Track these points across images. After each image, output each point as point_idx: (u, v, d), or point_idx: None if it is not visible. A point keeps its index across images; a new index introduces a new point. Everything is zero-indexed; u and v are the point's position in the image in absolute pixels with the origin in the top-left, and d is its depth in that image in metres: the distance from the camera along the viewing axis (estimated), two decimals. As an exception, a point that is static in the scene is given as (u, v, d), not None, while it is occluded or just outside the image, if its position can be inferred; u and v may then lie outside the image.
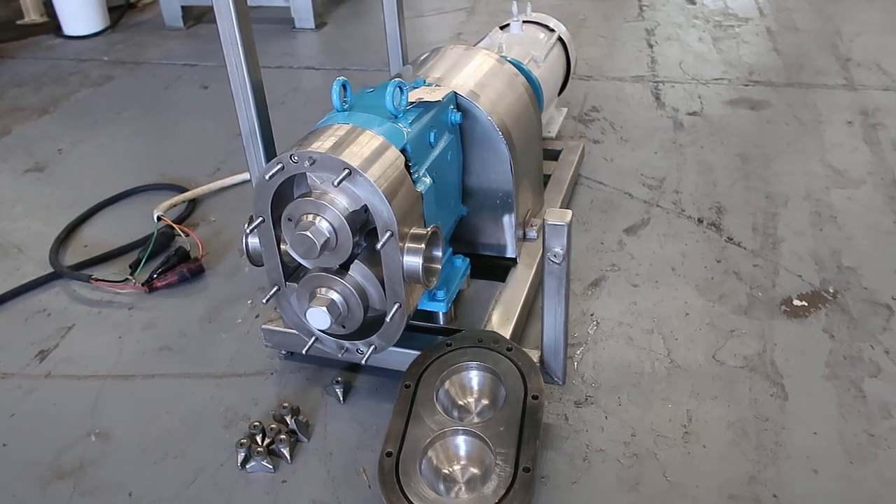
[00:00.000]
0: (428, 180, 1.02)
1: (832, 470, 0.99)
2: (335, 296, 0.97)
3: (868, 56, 2.25)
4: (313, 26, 2.80)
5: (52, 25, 2.97)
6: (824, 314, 1.26)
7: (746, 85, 2.13)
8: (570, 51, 1.77)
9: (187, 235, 1.54)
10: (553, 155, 1.67)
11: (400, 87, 1.01)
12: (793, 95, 2.04)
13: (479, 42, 1.65)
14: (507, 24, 1.69)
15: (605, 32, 2.59)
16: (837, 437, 1.03)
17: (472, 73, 1.25)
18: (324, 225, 0.92)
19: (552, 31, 1.73)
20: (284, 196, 0.98)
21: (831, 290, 1.31)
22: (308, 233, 0.91)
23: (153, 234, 1.50)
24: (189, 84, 2.41)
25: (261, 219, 0.97)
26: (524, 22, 1.71)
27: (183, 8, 2.90)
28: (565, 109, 1.86)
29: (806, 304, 1.28)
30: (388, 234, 0.92)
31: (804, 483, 0.97)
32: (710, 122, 1.93)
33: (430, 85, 1.14)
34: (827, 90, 2.06)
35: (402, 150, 0.98)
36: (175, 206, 1.67)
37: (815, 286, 1.33)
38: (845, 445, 1.02)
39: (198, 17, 3.00)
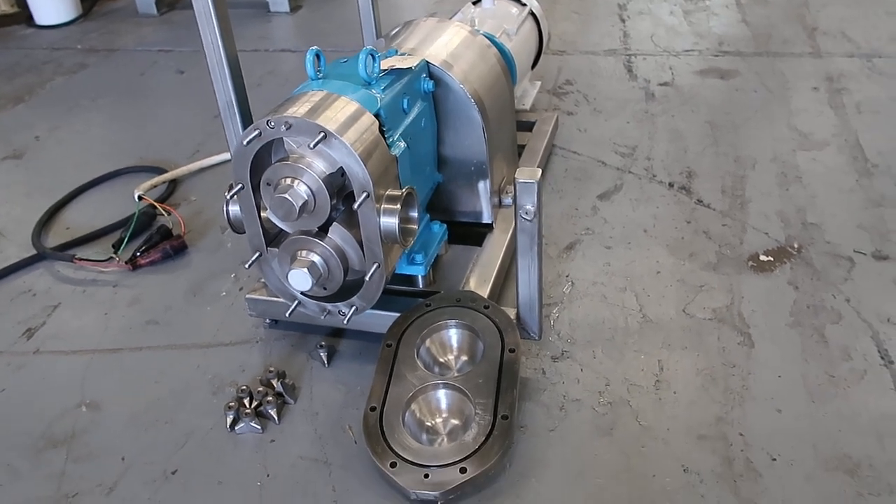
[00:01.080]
0: (402, 144, 1.05)
1: (795, 409, 1.04)
2: (315, 258, 1.00)
3: (834, 25, 2.30)
4: (288, 10, 2.80)
5: (23, 16, 2.94)
6: (789, 268, 1.31)
7: (716, 55, 2.17)
8: (542, 25, 1.80)
9: (169, 214, 1.55)
10: (527, 126, 1.70)
11: (372, 55, 1.04)
12: (761, 64, 2.09)
13: (452, 17, 1.68)
14: (480, 0, 1.72)
15: (579, 8, 2.62)
16: (800, 380, 1.08)
17: (445, 44, 1.28)
18: (302, 188, 0.95)
19: (524, 5, 1.76)
20: (263, 162, 1.00)
21: (796, 246, 1.36)
22: (287, 195, 0.94)
23: (135, 213, 1.52)
24: (165, 70, 2.41)
25: (240, 185, 0.99)
26: (496, -3, 1.73)
27: (156, -6, 2.89)
28: (539, 83, 1.89)
29: (772, 259, 1.33)
30: (364, 195, 0.95)
31: (769, 422, 1.02)
32: (680, 92, 1.97)
33: (402, 55, 1.17)
34: (794, 58, 2.11)
35: (377, 115, 1.01)
36: (156, 186, 1.68)
37: (780, 242, 1.38)
38: (807, 386, 1.07)
39: (171, 4, 2.99)
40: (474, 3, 1.74)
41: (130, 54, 2.57)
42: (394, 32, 1.35)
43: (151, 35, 2.73)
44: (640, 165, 1.66)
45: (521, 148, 1.60)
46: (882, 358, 1.11)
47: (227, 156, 1.77)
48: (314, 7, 2.86)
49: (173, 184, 1.71)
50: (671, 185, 1.58)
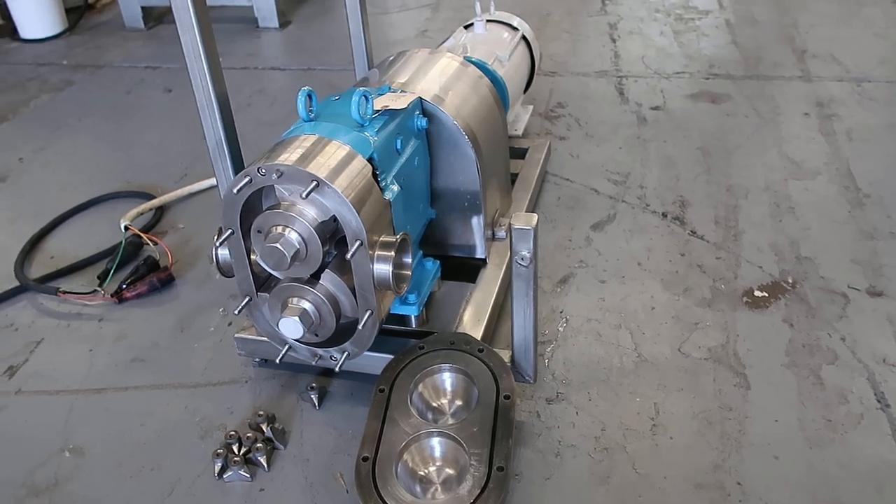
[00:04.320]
0: (396, 188, 1.04)
1: (792, 455, 1.03)
2: (307, 305, 0.98)
3: (823, 47, 2.31)
4: (277, 25, 2.78)
5: (7, 28, 2.90)
6: (784, 304, 1.30)
7: (707, 78, 2.17)
8: (534, 49, 1.79)
9: (156, 244, 1.53)
10: (520, 153, 1.69)
11: (365, 96, 1.02)
12: (751, 88, 2.09)
13: (443, 42, 1.66)
14: (471, 24, 1.71)
15: (569, 27, 2.61)
16: (797, 424, 1.08)
17: (437, 77, 1.26)
18: (293, 236, 0.93)
19: (516, 29, 1.75)
20: (253, 207, 0.98)
21: (790, 281, 1.36)
22: (278, 245, 0.92)
23: (121, 243, 1.49)
24: (152, 87, 2.38)
25: (230, 231, 0.97)
26: (488, 21, 1.72)
27: (143, 8, 2.85)
28: (531, 107, 1.88)
29: (766, 294, 1.33)
30: (357, 243, 0.93)
31: (766, 469, 1.01)
32: (672, 117, 1.97)
33: (395, 91, 1.15)
34: (784, 82, 2.12)
35: (370, 159, 1.00)
36: (142, 214, 1.65)
37: (774, 277, 1.37)
38: (805, 432, 1.06)
39: (158, 18, 2.96)
40: (466, 28, 1.73)
41: (117, 71, 2.53)
42: (387, 63, 1.33)
43: (138, 50, 2.69)
44: (633, 194, 1.65)
45: (514, 176, 1.59)
46: (879, 401, 1.10)
47: (214, 181, 1.74)
48: (303, 23, 2.84)
49: (160, 211, 1.69)
50: (664, 214, 1.57)
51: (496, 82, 1.49)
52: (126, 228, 1.56)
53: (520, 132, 1.76)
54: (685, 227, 1.53)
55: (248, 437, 1.08)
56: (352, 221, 0.93)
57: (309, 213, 0.93)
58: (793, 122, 1.90)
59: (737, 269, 1.39)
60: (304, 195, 0.90)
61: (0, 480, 1.08)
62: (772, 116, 1.93)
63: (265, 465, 1.06)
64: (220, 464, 1.05)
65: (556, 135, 1.91)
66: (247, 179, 0.92)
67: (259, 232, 0.94)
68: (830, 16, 2.56)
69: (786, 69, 2.19)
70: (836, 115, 1.91)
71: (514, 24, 1.76)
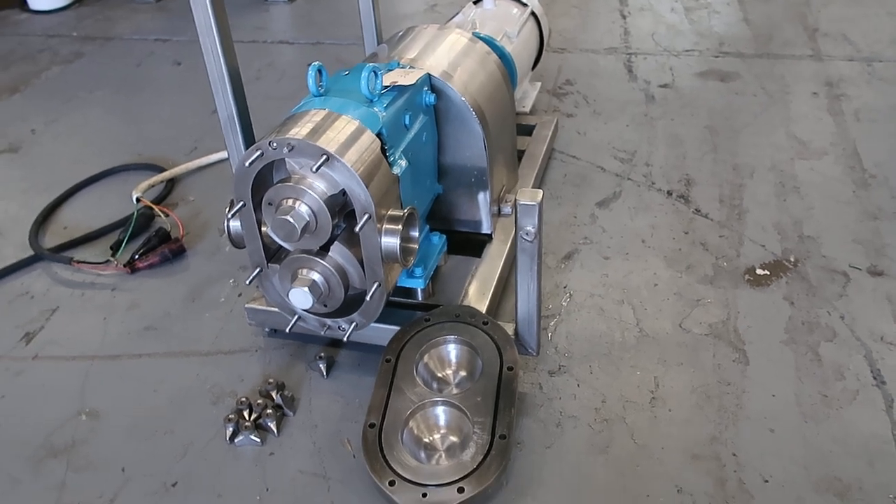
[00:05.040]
0: (404, 163, 1.05)
1: (788, 429, 1.05)
2: (316, 276, 1.01)
3: (835, 26, 2.29)
4: (286, -1, 2.78)
5: (17, 0, 2.90)
6: (785, 282, 1.32)
7: (717, 56, 2.16)
8: (543, 25, 1.79)
9: (167, 216, 1.55)
10: (527, 130, 1.70)
11: (375, 72, 1.04)
12: (761, 66, 2.09)
13: (452, 17, 1.67)
14: (480, 0, 1.71)
15: (579, 3, 2.60)
16: (794, 399, 1.10)
17: (445, 53, 1.27)
18: (303, 209, 0.95)
19: (525, 5, 1.75)
20: (264, 180, 1.00)
21: (792, 259, 1.37)
22: (289, 217, 0.94)
23: (133, 215, 1.52)
24: (162, 60, 2.39)
25: (242, 203, 0.99)
26: (497, -3, 1.72)
27: (152, -20, 2.85)
28: (539, 84, 1.89)
29: (768, 272, 1.34)
30: (365, 216, 0.95)
31: (762, 442, 1.04)
32: (680, 95, 1.97)
33: (404, 67, 1.16)
34: (794, 61, 2.11)
35: (378, 134, 1.01)
36: (153, 186, 1.68)
37: (777, 255, 1.39)
38: (801, 406, 1.09)
39: (167, -10, 2.95)
40: (475, 3, 1.73)
41: (127, 43, 2.54)
42: (396, 38, 1.34)
43: (148, 23, 2.69)
44: (639, 172, 1.66)
45: (521, 153, 1.60)
46: (875, 378, 1.13)
47: (224, 154, 1.76)
48: (312, -4, 2.83)
49: (171, 183, 1.71)
50: (669, 193, 1.58)
51: (504, 58, 1.50)
52: (138, 200, 1.58)
53: (527, 109, 1.77)
54: (690, 206, 1.54)
55: (258, 404, 1.11)
56: (360, 195, 0.95)
57: (319, 186, 0.95)
58: (801, 101, 1.90)
59: (739, 248, 1.41)
60: (314, 169, 0.92)
61: (19, 441, 1.12)
62: (780, 96, 1.93)
63: (275, 431, 1.09)
64: (231, 428, 1.09)
65: (564, 112, 1.91)
66: (258, 153, 0.94)
67: (270, 204, 0.96)
68: (843, -7, 2.53)
69: (796, 48, 2.18)
70: (844, 95, 1.91)
71: (524, -1, 1.75)
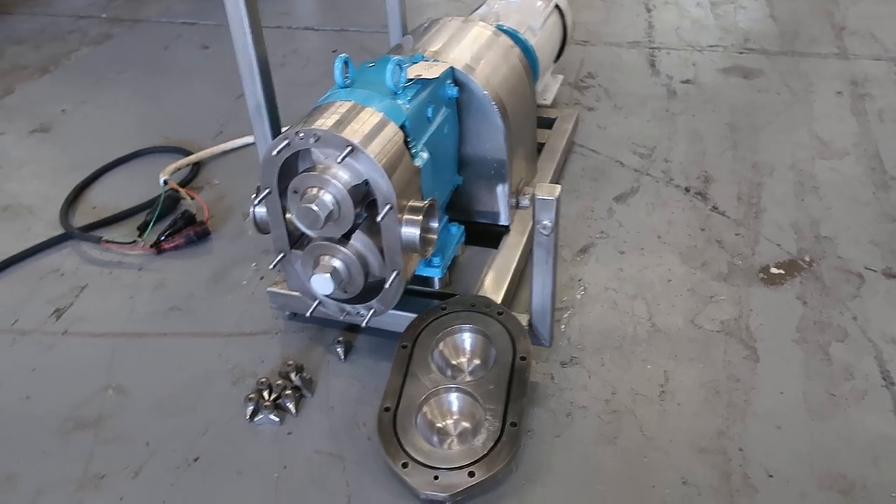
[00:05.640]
0: (425, 155, 1.08)
1: (795, 426, 1.07)
2: (337, 263, 1.04)
3: (862, 24, 2.27)
4: (311, -16, 2.79)
5: (48, -20, 2.95)
6: (799, 282, 1.33)
7: (741, 52, 2.16)
8: (566, 18, 1.80)
9: (193, 199, 1.59)
10: (548, 123, 1.71)
11: (399, 65, 1.06)
12: (785, 64, 2.08)
13: (476, 9, 1.68)
14: (505, -8, 1.71)
15: (604, -5, 2.59)
16: (802, 397, 1.12)
17: (469, 46, 1.29)
18: (327, 198, 0.98)
19: (549, -2, 1.75)
20: (289, 168, 1.03)
21: (807, 259, 1.38)
22: (313, 205, 0.97)
23: (160, 196, 1.56)
24: (189, 44, 2.43)
25: (268, 190, 1.02)
26: (522, -11, 1.73)
27: (180, -36, 2.88)
28: (561, 77, 1.90)
29: (783, 272, 1.36)
30: (387, 207, 0.98)
31: (768, 438, 1.06)
32: (702, 91, 1.97)
33: (428, 60, 1.18)
34: (819, 59, 2.09)
35: (402, 127, 1.04)
36: (180, 169, 1.72)
37: (792, 255, 1.39)
38: (808, 405, 1.10)
39: (195, -27, 2.98)
40: (500, -5, 1.74)
41: (155, 26, 2.58)
42: (420, 30, 1.36)
43: (176, 6, 2.73)
44: (658, 167, 1.67)
45: (541, 145, 1.62)
46: (884, 379, 1.14)
47: (249, 139, 1.80)
48: (338, -18, 2.84)
49: (197, 166, 1.75)
50: (687, 189, 1.59)
51: (527, 52, 1.51)
52: (165, 182, 1.62)
53: (548, 101, 1.78)
54: (707, 203, 1.55)
55: (277, 385, 1.15)
56: (383, 186, 0.97)
57: (343, 176, 0.98)
58: (825, 100, 1.89)
59: (755, 246, 1.42)
60: (339, 159, 0.94)
61: (49, 413, 1.16)
62: (804, 94, 1.92)
63: (293, 411, 1.13)
64: (251, 407, 1.12)
65: (585, 105, 1.92)
66: (285, 142, 0.97)
67: (295, 192, 0.99)
68: (872, -9, 2.50)
69: (822, 45, 2.16)
70: (868, 95, 1.90)
71: (548, -8, 1.76)
